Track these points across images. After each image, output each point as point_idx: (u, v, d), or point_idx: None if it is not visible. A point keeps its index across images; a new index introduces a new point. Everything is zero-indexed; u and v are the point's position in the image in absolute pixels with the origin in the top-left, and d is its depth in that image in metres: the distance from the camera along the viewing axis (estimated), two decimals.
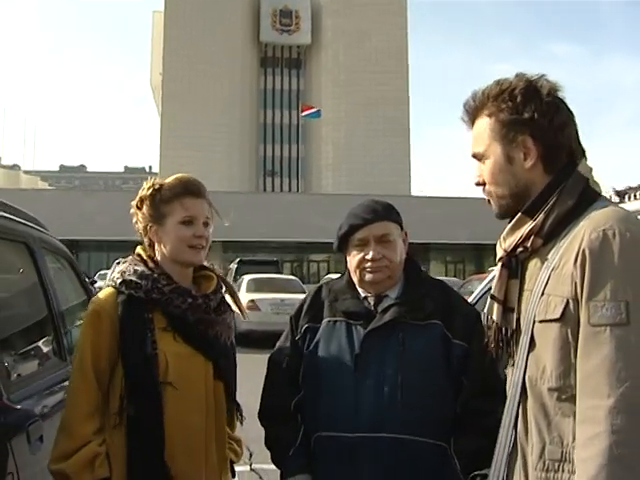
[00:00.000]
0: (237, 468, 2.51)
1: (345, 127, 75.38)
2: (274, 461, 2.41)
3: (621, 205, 1.78)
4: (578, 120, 1.80)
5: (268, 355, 2.55)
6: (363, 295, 2.43)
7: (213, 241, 2.38)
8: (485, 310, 1.87)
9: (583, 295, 1.57)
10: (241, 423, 2.49)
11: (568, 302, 1.61)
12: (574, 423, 1.58)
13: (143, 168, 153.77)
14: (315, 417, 2.35)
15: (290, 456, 2.32)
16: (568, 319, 1.60)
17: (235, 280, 21.18)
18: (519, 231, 1.77)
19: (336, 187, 66.99)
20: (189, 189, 2.34)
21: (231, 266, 25.98)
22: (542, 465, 1.66)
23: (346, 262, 2.48)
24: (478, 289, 3.89)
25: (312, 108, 56.36)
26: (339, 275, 2.61)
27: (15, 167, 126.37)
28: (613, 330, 1.52)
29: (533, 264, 1.76)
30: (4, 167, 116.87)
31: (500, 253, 1.83)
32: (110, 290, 2.31)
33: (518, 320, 1.77)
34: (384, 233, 2.37)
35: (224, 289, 2.46)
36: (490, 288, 3.82)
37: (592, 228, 1.60)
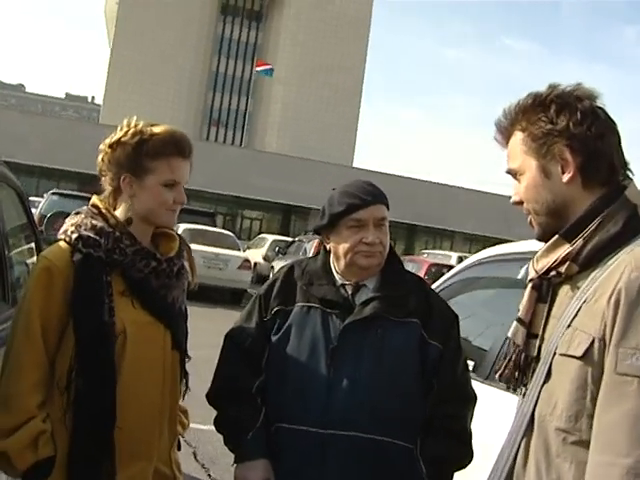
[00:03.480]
0: None
1: (296, 89, 74.40)
2: (228, 443, 2.27)
3: None
4: None
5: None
6: (340, 282, 2.28)
7: None
8: (509, 333, 1.74)
9: (612, 338, 1.42)
10: (185, 392, 2.30)
11: (594, 341, 1.46)
12: (575, 470, 1.46)
13: (85, 97, 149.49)
14: (278, 406, 2.21)
15: (249, 440, 2.17)
16: (590, 359, 1.46)
17: None
18: (554, 254, 1.62)
19: (279, 147, 66.27)
20: (180, 149, 2.09)
21: None
22: None
23: (322, 243, 2.35)
24: (439, 281, 3.81)
25: (267, 65, 55.30)
26: (313, 256, 2.45)
27: None
28: None
29: (565, 291, 1.62)
30: None
31: (532, 274, 1.69)
32: (63, 246, 2.02)
33: (540, 348, 1.65)
34: (383, 216, 2.25)
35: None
36: (449, 285, 3.78)
37: (634, 266, 1.44)
